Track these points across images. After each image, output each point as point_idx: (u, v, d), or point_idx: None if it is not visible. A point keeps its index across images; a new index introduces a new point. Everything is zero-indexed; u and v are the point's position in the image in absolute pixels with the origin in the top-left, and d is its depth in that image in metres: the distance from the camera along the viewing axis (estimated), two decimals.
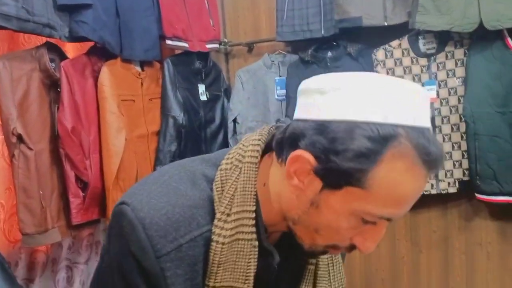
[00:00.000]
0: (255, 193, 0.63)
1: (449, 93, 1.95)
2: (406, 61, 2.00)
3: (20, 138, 1.60)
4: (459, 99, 1.93)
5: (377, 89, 0.56)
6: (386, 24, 1.95)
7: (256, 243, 0.63)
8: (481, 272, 2.07)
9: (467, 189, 1.94)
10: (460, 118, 1.92)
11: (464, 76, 1.91)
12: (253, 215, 0.63)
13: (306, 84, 0.62)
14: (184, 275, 0.61)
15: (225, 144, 2.46)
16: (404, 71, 2.00)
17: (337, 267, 0.77)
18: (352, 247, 0.63)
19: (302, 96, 0.62)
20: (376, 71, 2.04)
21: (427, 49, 1.98)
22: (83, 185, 1.79)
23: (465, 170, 1.93)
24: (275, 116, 2.36)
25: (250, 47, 2.51)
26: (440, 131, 1.96)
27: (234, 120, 2.43)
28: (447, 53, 1.94)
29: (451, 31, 1.84)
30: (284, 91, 2.32)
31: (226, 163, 0.66)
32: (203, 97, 2.33)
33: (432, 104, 1.97)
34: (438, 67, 1.96)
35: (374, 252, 2.28)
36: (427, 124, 0.58)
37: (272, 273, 0.67)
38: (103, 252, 0.68)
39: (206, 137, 2.36)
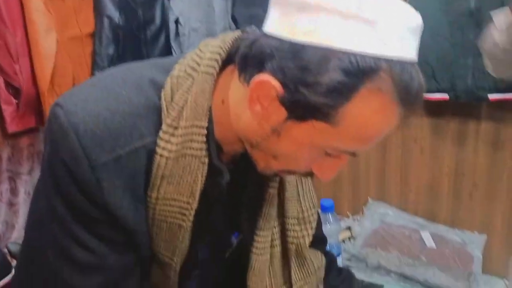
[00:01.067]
0: (208, 107, 0.60)
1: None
2: None
3: None
4: None
5: (364, 12, 0.50)
6: None
7: (206, 160, 0.60)
8: (414, 165, 2.25)
9: None
10: None
11: None
12: (204, 131, 0.60)
13: None
14: (123, 186, 0.59)
15: (167, 47, 2.34)
16: None
17: (307, 187, 0.77)
18: (308, 174, 0.63)
19: (277, 6, 0.55)
20: None
21: None
22: (15, 91, 1.68)
23: None
24: (220, 16, 2.25)
25: None
26: None
27: (176, 21, 2.29)
28: None
29: None
30: None
31: (179, 70, 0.61)
32: None
33: None
34: None
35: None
36: (414, 57, 0.54)
37: (221, 192, 0.66)
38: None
39: (147, 39, 2.23)
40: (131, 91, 0.60)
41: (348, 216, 2.39)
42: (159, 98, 0.60)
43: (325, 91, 0.51)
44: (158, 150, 0.59)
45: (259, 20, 2.01)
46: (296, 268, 0.76)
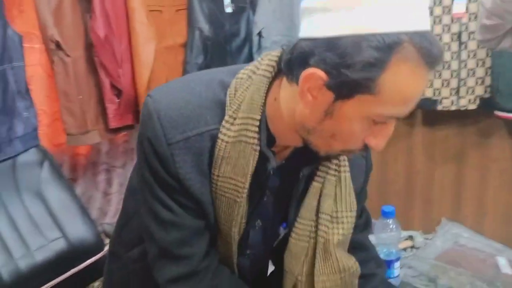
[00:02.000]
0: (262, 103, 0.71)
1: (479, 8, 1.90)
2: None
3: (58, 45, 1.71)
4: None
5: (378, 1, 0.60)
6: None
7: (258, 147, 0.71)
8: (491, 188, 2.16)
9: (486, 107, 1.96)
10: None
11: None
12: (258, 123, 0.71)
13: (308, 3, 0.65)
14: (191, 162, 0.72)
15: (250, 58, 2.50)
16: None
17: (347, 191, 0.81)
18: (364, 148, 0.69)
19: (306, 14, 0.66)
20: None
21: None
22: (118, 92, 1.92)
23: (486, 88, 1.94)
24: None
25: None
26: (466, 47, 1.95)
27: (259, 34, 2.45)
28: None
29: None
30: None
31: (243, 73, 0.74)
32: (229, 9, 2.34)
33: (460, 19, 1.93)
34: None
35: (390, 166, 2.39)
36: (428, 27, 0.63)
37: (267, 176, 0.77)
38: None
39: (232, 51, 2.40)
40: (202, 88, 0.74)
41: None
42: (225, 95, 0.73)
43: (362, 66, 0.60)
44: (220, 136, 0.71)
45: None
46: (321, 262, 0.81)
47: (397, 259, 1.06)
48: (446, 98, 2.01)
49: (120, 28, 1.88)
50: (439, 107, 2.03)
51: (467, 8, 1.91)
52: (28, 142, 1.68)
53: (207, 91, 0.74)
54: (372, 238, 1.36)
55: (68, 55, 1.73)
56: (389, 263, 1.04)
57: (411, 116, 2.28)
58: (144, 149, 0.73)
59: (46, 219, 1.52)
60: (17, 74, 1.64)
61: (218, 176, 0.73)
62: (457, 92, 1.99)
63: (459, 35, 1.95)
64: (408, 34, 0.60)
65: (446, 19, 1.95)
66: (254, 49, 2.48)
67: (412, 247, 1.28)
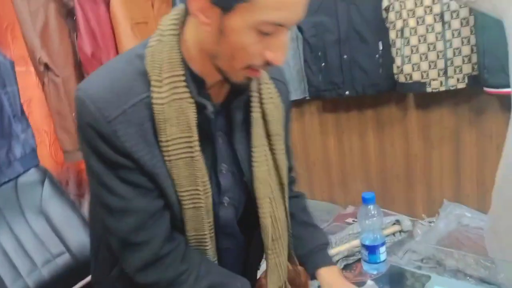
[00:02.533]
0: (180, 59, 0.75)
1: None
2: None
3: (46, 66, 1.76)
4: None
5: None
6: None
7: (192, 100, 0.76)
8: (490, 163, 2.15)
9: (476, 84, 1.96)
10: (470, 12, 1.88)
11: None
12: (183, 77, 0.75)
13: None
14: (135, 134, 0.75)
15: None
16: None
17: (280, 110, 0.91)
18: (266, 63, 0.73)
19: None
20: None
21: None
22: None
23: (474, 65, 1.94)
24: None
25: None
26: (450, 26, 1.95)
27: None
28: None
29: None
30: None
31: (152, 41, 0.78)
32: None
33: None
34: None
35: (388, 151, 2.40)
36: None
37: (210, 121, 0.80)
38: None
39: None
40: (123, 64, 0.78)
41: (423, 219, 2.36)
42: (144, 65, 0.76)
43: None
44: (153, 100, 0.75)
45: (323, 27, 2.11)
46: (285, 173, 0.92)
47: (382, 244, 1.08)
48: (434, 79, 2.02)
49: (107, 43, 1.93)
50: (429, 89, 2.03)
51: None
52: (27, 162, 1.73)
53: (128, 66, 0.78)
54: (356, 226, 1.37)
55: (57, 75, 1.78)
56: (374, 248, 1.06)
57: (403, 100, 2.29)
58: (87, 137, 0.76)
59: (51, 235, 1.58)
60: (12, 98, 1.69)
61: (167, 141, 0.76)
62: (445, 72, 2.00)
63: (441, 15, 1.95)
64: None
65: (427, 1, 1.96)
66: None
67: (401, 231, 1.30)
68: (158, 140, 0.77)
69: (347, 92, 2.26)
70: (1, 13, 1.85)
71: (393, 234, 1.29)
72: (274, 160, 0.90)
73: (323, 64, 2.29)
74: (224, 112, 0.84)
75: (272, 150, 0.89)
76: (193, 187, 0.79)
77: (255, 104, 0.86)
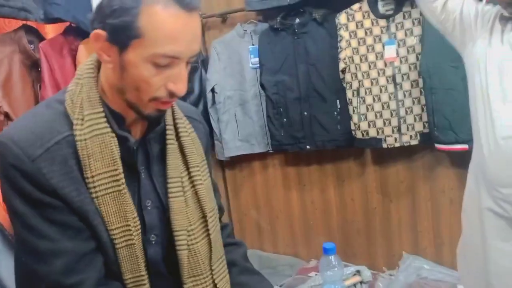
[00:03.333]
0: (99, 97, 0.80)
1: (408, 52, 2.07)
2: (367, 23, 2.11)
3: (7, 115, 1.74)
4: (417, 57, 2.05)
5: None
6: None
7: (113, 134, 0.79)
8: (445, 216, 2.24)
9: (428, 141, 2.08)
10: (419, 74, 2.04)
11: (421, 35, 2.02)
12: (102, 114, 0.79)
13: None
14: (60, 171, 0.76)
15: (205, 114, 2.59)
16: (366, 33, 2.12)
17: (197, 146, 0.94)
18: (171, 94, 0.77)
19: None
20: (340, 35, 2.16)
21: (386, 10, 2.08)
22: None
23: (425, 123, 2.07)
24: (250, 84, 2.48)
25: (223, 17, 2.60)
26: (401, 87, 2.09)
27: (212, 90, 2.56)
28: (405, 13, 2.05)
29: None
30: (257, 59, 2.44)
31: (71, 85, 0.82)
32: None
33: (392, 63, 2.09)
34: (397, 27, 2.07)
35: (349, 205, 2.46)
36: None
37: (132, 153, 0.83)
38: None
39: None
40: (43, 109, 0.82)
41: (384, 271, 2.38)
42: (65, 108, 0.80)
43: (117, 13, 0.71)
44: (76, 137, 0.77)
45: (284, 86, 2.21)
46: (207, 204, 0.92)
47: None
48: (389, 136, 2.13)
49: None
50: (385, 145, 2.14)
51: (397, 52, 2.08)
52: None
53: (47, 109, 0.81)
54: (318, 278, 1.38)
55: None
56: None
57: (361, 155, 2.38)
58: (10, 179, 0.76)
59: None
60: None
61: (92, 176, 0.77)
62: (399, 129, 2.12)
63: (393, 77, 2.10)
64: None
65: (380, 64, 2.11)
66: (209, 104, 2.58)
67: (361, 282, 1.31)
68: (84, 176, 0.77)
69: (308, 147, 2.34)
70: None
71: (354, 285, 1.31)
72: (195, 192, 0.91)
73: (284, 119, 2.37)
74: (144, 147, 0.87)
75: (192, 182, 0.91)
76: (124, 223, 0.79)
77: (170, 136, 0.89)
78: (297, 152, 2.43)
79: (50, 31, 2.20)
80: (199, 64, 2.60)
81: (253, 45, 2.47)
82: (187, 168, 0.90)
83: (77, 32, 1.96)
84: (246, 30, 2.49)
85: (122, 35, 0.72)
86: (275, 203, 2.69)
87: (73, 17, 1.85)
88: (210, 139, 1.08)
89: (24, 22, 1.85)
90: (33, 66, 1.84)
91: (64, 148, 0.77)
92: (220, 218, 1.05)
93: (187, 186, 0.90)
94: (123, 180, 0.79)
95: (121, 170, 0.79)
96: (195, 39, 0.75)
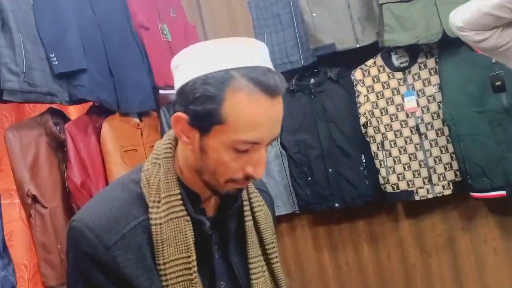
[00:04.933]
0: (176, 179, 0.78)
1: (429, 101, 2.06)
2: (383, 77, 2.12)
3: (34, 198, 1.74)
4: (438, 105, 2.03)
5: (210, 50, 0.72)
6: (358, 45, 2.09)
7: (188, 217, 0.77)
8: (491, 269, 2.10)
9: (462, 190, 2.00)
10: (443, 123, 2.01)
11: (439, 83, 2.02)
12: (179, 197, 0.77)
13: (171, 65, 0.78)
14: (134, 259, 0.74)
15: None
16: (383, 86, 2.12)
17: (269, 220, 0.91)
18: (248, 177, 0.75)
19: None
20: (357, 90, 2.17)
21: (401, 63, 2.10)
22: None
23: (456, 171, 2.01)
24: (271, 145, 2.48)
25: None
26: (426, 137, 2.06)
27: None
28: (420, 64, 2.06)
29: (419, 44, 1.96)
30: None
31: (147, 165, 0.81)
32: None
33: (414, 113, 2.07)
34: (414, 78, 2.08)
35: (385, 264, 2.33)
36: (261, 63, 0.72)
37: (207, 237, 0.80)
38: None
39: None
40: (117, 191, 0.80)
41: None
42: (140, 188, 0.78)
43: (201, 101, 0.71)
44: (151, 221, 0.75)
45: (306, 144, 2.19)
46: (283, 282, 0.88)
47: None
48: (421, 187, 2.06)
49: (96, 172, 1.94)
50: (417, 197, 2.06)
51: (418, 103, 2.07)
52: None
53: (123, 192, 0.79)
54: None
55: (45, 207, 1.75)
56: None
57: (393, 209, 2.30)
58: (81, 267, 0.74)
59: None
60: None
61: (164, 263, 0.75)
62: (430, 180, 2.05)
63: (417, 127, 2.07)
64: (238, 69, 0.70)
65: (401, 115, 2.10)
66: None
67: None
68: (156, 263, 0.75)
69: (336, 204, 2.27)
70: None
71: None
72: (271, 271, 0.88)
73: (309, 178, 2.33)
74: (218, 225, 0.84)
75: (268, 260, 0.87)
76: None
77: (247, 212, 0.86)
78: (325, 211, 2.36)
79: (73, 111, 2.27)
80: None
81: None
82: (262, 245, 0.87)
83: (101, 111, 2.01)
84: None
85: (205, 121, 0.71)
86: (306, 266, 2.57)
87: (97, 97, 1.90)
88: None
89: (49, 105, 1.90)
90: (58, 146, 1.87)
91: (139, 234, 0.75)
92: None
93: (265, 265, 0.87)
94: (195, 269, 0.76)
95: (194, 257, 0.76)
96: (277, 124, 0.74)
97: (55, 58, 1.79)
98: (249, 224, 0.85)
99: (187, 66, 0.73)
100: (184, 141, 0.76)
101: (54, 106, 1.94)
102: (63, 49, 1.82)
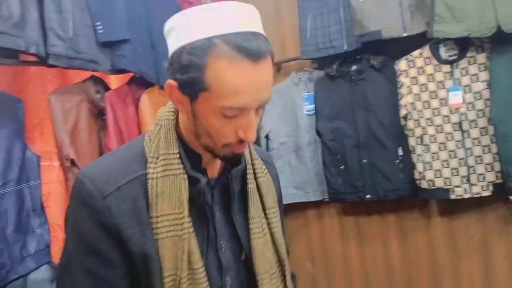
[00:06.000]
0: (176, 138, 0.81)
1: (475, 98, 1.96)
2: (429, 69, 2.04)
3: (72, 162, 1.79)
4: (485, 103, 1.94)
5: (196, 17, 0.72)
6: (405, 35, 2.02)
7: (185, 176, 0.80)
8: None
9: (502, 192, 1.92)
10: (488, 121, 1.92)
11: (488, 80, 1.92)
12: (177, 155, 0.80)
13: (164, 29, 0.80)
14: (128, 210, 0.76)
15: None
16: (428, 79, 2.04)
17: (271, 188, 0.94)
18: (241, 141, 0.77)
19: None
20: (400, 81, 2.10)
21: (449, 56, 2.01)
22: None
23: (497, 173, 1.92)
24: (305, 130, 2.45)
25: (278, 67, 2.63)
26: (469, 135, 1.97)
27: (267, 137, 2.54)
28: (469, 59, 1.97)
29: (471, 37, 1.87)
30: (312, 106, 2.42)
31: (151, 128, 0.85)
32: None
33: (458, 109, 1.99)
34: (461, 73, 1.99)
35: (414, 260, 2.28)
36: (248, 28, 0.72)
37: (204, 193, 0.82)
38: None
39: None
40: (122, 148, 0.86)
41: None
42: (143, 147, 0.82)
43: (186, 69, 0.72)
44: (148, 175, 0.78)
45: (342, 132, 2.15)
46: (283, 248, 0.91)
47: None
48: (458, 186, 1.99)
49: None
50: (453, 196, 1.99)
51: (463, 99, 1.98)
52: (40, 259, 1.68)
53: (127, 149, 0.84)
54: None
55: None
56: None
57: (426, 206, 2.24)
58: (76, 216, 0.78)
59: None
60: (33, 193, 1.71)
61: (157, 217, 0.77)
62: (468, 179, 1.97)
63: (460, 124, 1.99)
64: (221, 36, 0.70)
65: (444, 111, 2.02)
66: None
67: None
68: (149, 216, 0.77)
69: (368, 196, 2.23)
70: (33, 111, 1.95)
71: None
72: (271, 235, 0.90)
73: (342, 167, 2.29)
74: (222, 186, 0.87)
75: (268, 224, 0.90)
76: (177, 272, 0.77)
77: (250, 176, 0.89)
78: (355, 201, 2.32)
79: (114, 80, 2.32)
80: None
81: (308, 92, 2.46)
82: (264, 210, 0.90)
83: (141, 82, 2.04)
84: (301, 78, 2.49)
85: (191, 88, 0.74)
86: (332, 256, 2.55)
87: (138, 69, 1.93)
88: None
89: (92, 73, 1.95)
90: (98, 114, 1.92)
91: (136, 187, 0.78)
92: None
93: (266, 228, 0.89)
94: (186, 224, 0.78)
95: (186, 213, 0.78)
96: (263, 88, 0.74)
97: (100, 27, 1.82)
98: (251, 186, 0.88)
99: (174, 35, 0.75)
100: (179, 107, 0.79)
101: (96, 74, 1.98)
102: (108, 19, 1.85)
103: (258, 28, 0.75)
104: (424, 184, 2.04)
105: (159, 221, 0.77)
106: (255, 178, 0.90)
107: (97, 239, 0.76)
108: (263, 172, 0.93)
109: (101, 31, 1.83)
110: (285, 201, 2.45)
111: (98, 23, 1.82)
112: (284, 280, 0.90)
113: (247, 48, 0.70)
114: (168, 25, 0.77)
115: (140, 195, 0.77)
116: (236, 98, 0.71)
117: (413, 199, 2.19)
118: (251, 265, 0.85)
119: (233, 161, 0.85)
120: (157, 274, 0.76)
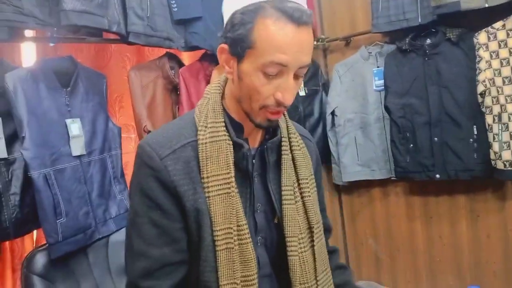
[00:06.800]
0: (222, 109, 0.91)
1: None
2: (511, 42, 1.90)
3: None
4: None
5: None
6: (487, 5, 1.88)
7: (230, 141, 0.90)
8: None
9: None
10: None
11: None
12: (223, 124, 0.91)
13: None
14: (182, 170, 0.88)
15: (324, 137, 2.57)
16: (510, 52, 1.91)
17: (306, 161, 1.02)
18: (279, 104, 0.84)
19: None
20: (479, 55, 1.98)
21: None
22: None
23: None
24: (373, 107, 2.40)
25: (347, 41, 2.58)
26: None
27: (332, 113, 2.53)
28: None
29: None
30: (382, 81, 2.35)
31: (200, 101, 0.96)
32: (302, 92, 2.47)
33: None
34: None
35: (484, 243, 2.20)
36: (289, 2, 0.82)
37: (246, 159, 0.92)
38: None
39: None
40: (178, 119, 0.97)
41: None
42: (194, 118, 0.93)
43: (237, 27, 0.82)
44: (199, 141, 0.89)
45: (412, 109, 2.08)
46: (314, 216, 0.98)
47: None
48: None
49: None
50: None
51: None
52: (120, 222, 1.84)
53: (181, 120, 0.96)
54: None
55: None
56: None
57: (501, 188, 2.13)
58: (140, 175, 0.88)
59: None
60: (115, 161, 1.85)
61: (207, 177, 0.87)
62: None
63: None
64: (269, 1, 0.81)
65: None
66: (328, 127, 2.55)
67: None
68: (201, 177, 0.88)
69: (437, 176, 2.16)
70: (114, 86, 2.10)
71: None
72: (303, 203, 0.97)
73: (411, 145, 2.23)
74: (261, 155, 0.96)
75: (301, 193, 0.98)
76: (227, 225, 0.87)
77: (285, 147, 0.97)
78: (423, 181, 2.26)
79: (186, 57, 2.41)
80: (320, 87, 2.61)
81: (378, 67, 2.40)
82: (297, 180, 0.98)
83: (212, 59, 2.10)
84: (371, 52, 2.43)
85: (239, 47, 0.83)
86: (396, 234, 2.52)
87: (210, 45, 1.99)
88: (320, 159, 1.15)
89: (167, 50, 2.04)
90: (173, 90, 2.02)
91: (188, 151, 0.89)
92: (327, 239, 1.12)
93: (298, 196, 0.97)
94: (234, 184, 0.88)
95: (232, 174, 0.88)
96: (304, 51, 0.82)
97: (175, 5, 1.90)
98: (285, 157, 0.97)
99: (231, 5, 0.85)
100: (227, 71, 0.88)
101: (171, 51, 2.07)
102: None
103: (304, 3, 0.85)
104: (499, 165, 1.94)
105: (209, 181, 0.87)
106: (291, 150, 0.98)
107: (158, 195, 0.87)
108: (299, 146, 1.01)
109: (176, 9, 1.90)
110: (349, 178, 2.48)
111: (173, 2, 1.90)
112: (313, 246, 0.97)
113: (290, 13, 0.79)
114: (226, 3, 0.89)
115: (192, 157, 0.89)
116: (278, 53, 0.80)
117: (487, 180, 2.10)
118: (282, 228, 0.94)
119: (268, 129, 0.95)
120: (208, 228, 0.87)
